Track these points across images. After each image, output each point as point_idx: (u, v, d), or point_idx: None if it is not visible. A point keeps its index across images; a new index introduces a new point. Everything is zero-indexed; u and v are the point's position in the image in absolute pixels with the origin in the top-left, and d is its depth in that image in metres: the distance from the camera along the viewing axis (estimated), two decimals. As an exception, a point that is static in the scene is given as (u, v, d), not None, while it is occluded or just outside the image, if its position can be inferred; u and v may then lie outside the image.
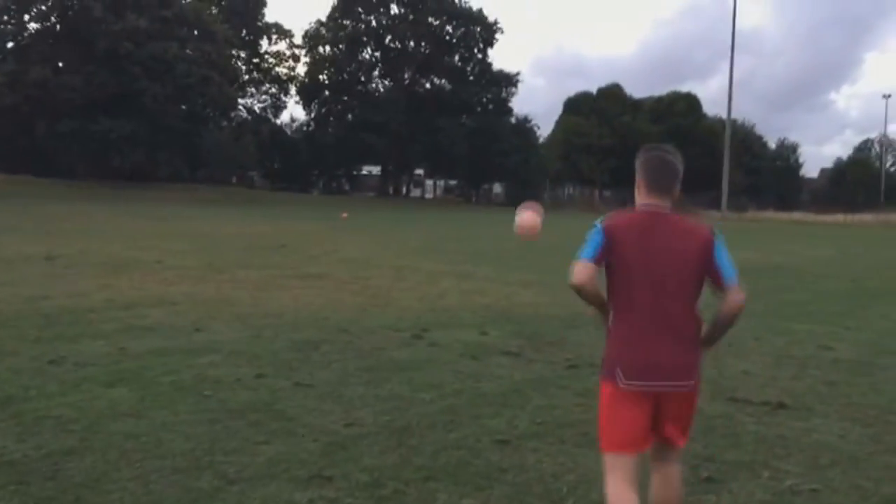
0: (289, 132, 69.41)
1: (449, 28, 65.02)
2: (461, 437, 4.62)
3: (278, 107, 68.92)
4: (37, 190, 39.73)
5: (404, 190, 70.53)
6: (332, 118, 67.02)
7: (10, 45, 49.43)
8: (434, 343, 7.29)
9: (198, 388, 5.42)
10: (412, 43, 64.98)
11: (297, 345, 6.94)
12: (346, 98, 65.79)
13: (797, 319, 9.61)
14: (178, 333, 7.27)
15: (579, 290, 2.98)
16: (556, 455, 4.40)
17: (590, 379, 5.55)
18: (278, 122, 69.57)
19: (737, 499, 3.91)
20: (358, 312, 8.88)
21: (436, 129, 60.20)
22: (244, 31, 62.95)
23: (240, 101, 62.71)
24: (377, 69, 66.93)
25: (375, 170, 70.24)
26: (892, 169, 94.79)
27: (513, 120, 67.86)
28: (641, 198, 3.09)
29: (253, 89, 67.37)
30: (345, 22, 64.21)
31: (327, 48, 65.54)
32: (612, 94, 75.11)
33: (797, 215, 58.33)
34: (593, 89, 77.29)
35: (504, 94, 66.93)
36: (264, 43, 66.87)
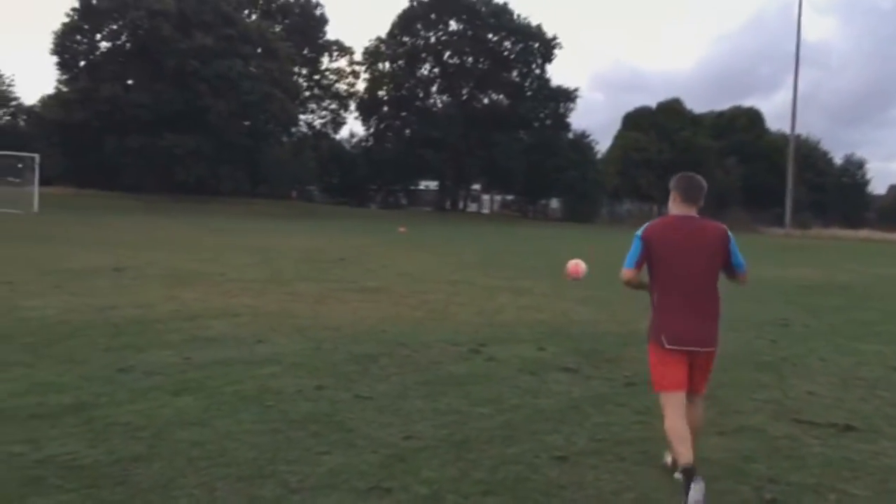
0: (348, 147, 70.38)
1: (507, 44, 65.14)
2: (519, 452, 4.62)
3: (338, 122, 70.12)
4: (105, 203, 41.02)
5: (461, 205, 70.71)
6: (390, 133, 67.71)
7: (82, 63, 51.25)
8: (491, 358, 7.30)
9: (260, 398, 5.53)
10: (470, 59, 65.27)
11: (356, 357, 7.02)
12: (404, 113, 66.41)
13: (864, 339, 9.35)
14: (241, 344, 7.42)
15: (626, 285, 4.23)
16: (616, 472, 4.36)
17: (648, 396, 5.49)
18: (338, 137, 70.79)
19: (802, 522, 3.83)
20: (415, 326, 8.93)
21: (493, 144, 60.30)
22: (306, 49, 64.16)
23: (301, 116, 63.86)
24: (435, 85, 67.39)
25: (433, 184, 70.63)
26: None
27: (570, 135, 67.57)
28: (676, 208, 4.20)
29: (314, 105, 68.60)
30: (404, 38, 64.94)
31: (387, 64, 66.34)
32: (671, 109, 74.07)
33: (864, 233, 56.50)
34: (653, 104, 76.42)
35: (562, 110, 66.69)
36: (325, 60, 68.22)
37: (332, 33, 70.46)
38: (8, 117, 65.35)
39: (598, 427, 5.20)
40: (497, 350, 7.67)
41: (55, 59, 50.70)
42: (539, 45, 64.93)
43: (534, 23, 64.92)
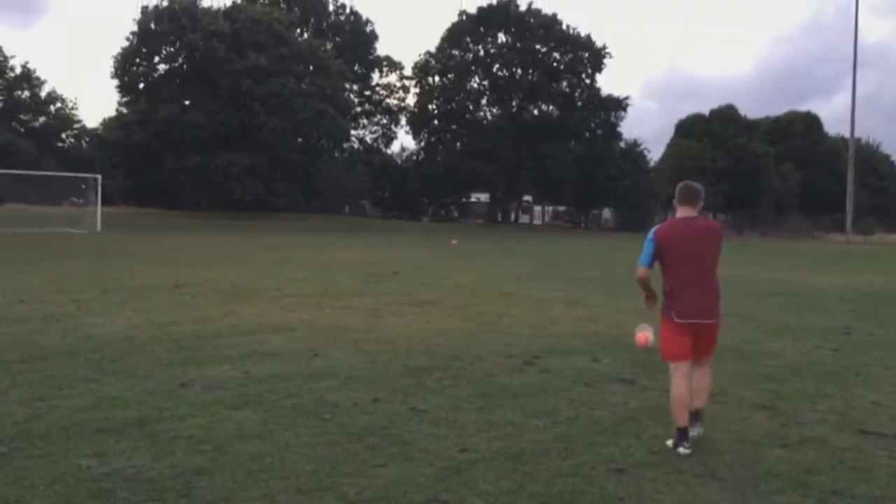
0: (399, 161, 70.95)
1: (556, 55, 64.87)
2: (576, 464, 4.61)
3: (389, 137, 70.92)
4: (164, 221, 42.00)
5: (513, 216, 70.56)
6: (441, 147, 68.03)
7: (141, 85, 52.69)
8: (546, 370, 7.28)
9: (318, 411, 5.61)
10: (519, 70, 65.17)
11: (411, 370, 7.07)
12: (454, 126, 66.65)
13: (933, 348, 9.06)
14: (298, 358, 7.53)
15: (639, 282, 5.18)
16: (675, 485, 4.32)
17: (707, 408, 5.41)
18: (389, 151, 71.42)
19: (869, 536, 3.73)
20: (469, 339, 8.96)
21: (544, 155, 60.04)
22: (357, 65, 64.94)
23: (352, 132, 64.62)
24: (485, 97, 67.46)
25: (484, 197, 70.68)
26: None
27: (622, 144, 66.90)
28: (680, 211, 5.15)
29: (365, 121, 69.42)
30: (453, 52, 65.23)
31: (436, 78, 66.72)
32: (725, 116, 72.93)
33: (930, 238, 54.88)
34: (706, 111, 75.35)
35: (613, 119, 66.10)
36: (375, 75, 68.99)
37: (382, 49, 70.98)
38: (72, 140, 67.66)
39: (656, 439, 5.14)
40: (551, 362, 7.65)
41: (116, 82, 52.31)
42: (588, 55, 64.52)
43: (583, 33, 64.72)
